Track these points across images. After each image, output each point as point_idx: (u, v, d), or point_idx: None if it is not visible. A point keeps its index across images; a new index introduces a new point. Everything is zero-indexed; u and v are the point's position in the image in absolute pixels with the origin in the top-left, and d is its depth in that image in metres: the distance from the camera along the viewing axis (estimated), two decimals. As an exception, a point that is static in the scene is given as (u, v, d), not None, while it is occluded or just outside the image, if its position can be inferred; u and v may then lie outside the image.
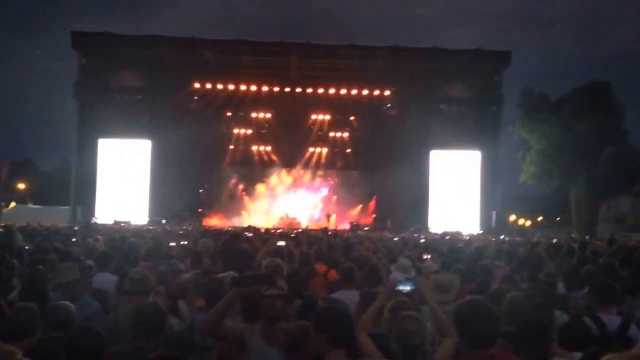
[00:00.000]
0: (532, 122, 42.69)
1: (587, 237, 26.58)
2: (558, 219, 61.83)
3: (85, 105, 35.53)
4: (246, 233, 13.58)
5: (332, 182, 41.61)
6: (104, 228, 23.08)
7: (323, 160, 41.13)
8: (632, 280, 7.95)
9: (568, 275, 8.69)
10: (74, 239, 13.66)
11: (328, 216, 38.23)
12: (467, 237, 23.92)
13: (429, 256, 10.28)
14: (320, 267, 9.26)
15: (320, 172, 41.26)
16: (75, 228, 21.66)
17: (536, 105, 43.11)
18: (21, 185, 58.58)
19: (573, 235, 30.65)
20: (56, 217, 33.20)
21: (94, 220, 31.63)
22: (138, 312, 4.89)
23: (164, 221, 32.42)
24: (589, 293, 6.41)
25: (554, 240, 17.67)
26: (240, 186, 41.06)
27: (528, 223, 68.06)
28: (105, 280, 8.08)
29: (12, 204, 45.51)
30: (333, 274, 8.77)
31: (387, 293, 5.28)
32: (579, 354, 4.54)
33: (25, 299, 5.97)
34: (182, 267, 8.96)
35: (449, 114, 37.71)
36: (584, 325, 4.92)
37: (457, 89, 37.54)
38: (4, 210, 40.36)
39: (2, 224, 20.73)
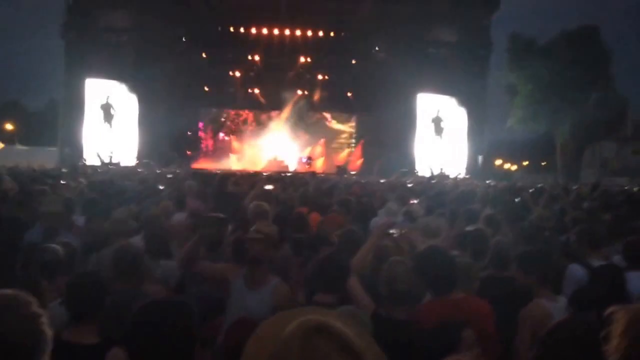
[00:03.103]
0: (520, 66, 42.68)
1: (576, 185, 26.87)
2: (543, 163, 62.19)
3: (72, 46, 35.01)
4: (235, 176, 13.63)
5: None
6: (92, 170, 23.02)
7: (311, 102, 40.97)
8: (614, 224, 8.10)
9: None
10: (63, 182, 13.64)
11: (310, 159, 38.31)
12: (453, 178, 24.13)
13: (416, 200, 10.36)
14: (303, 210, 9.30)
15: (308, 115, 41.17)
16: (64, 170, 21.58)
17: (524, 50, 43.03)
18: (9, 126, 58.04)
19: (558, 181, 30.96)
20: (44, 158, 33.09)
21: (82, 161, 31.49)
22: (117, 253, 4.96)
23: (152, 163, 32.33)
24: (577, 239, 6.54)
25: (538, 185, 17.86)
26: (228, 128, 41.01)
27: (514, 167, 68.40)
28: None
29: (0, 145, 45.24)
30: (315, 217, 8.84)
31: (378, 237, 5.35)
32: (563, 298, 4.68)
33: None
34: (171, 209, 9.03)
35: (437, 58, 37.45)
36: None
37: (445, 32, 37.20)
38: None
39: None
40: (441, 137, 37.33)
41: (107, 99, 35.58)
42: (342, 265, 4.66)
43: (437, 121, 37.40)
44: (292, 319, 1.43)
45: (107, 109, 35.61)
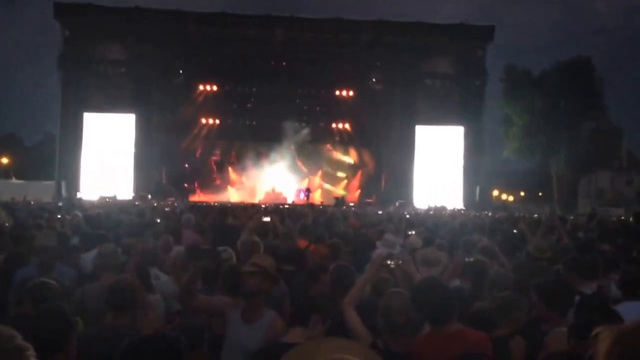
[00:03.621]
0: (515, 97, 43.02)
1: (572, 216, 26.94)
2: (540, 194, 62.33)
3: (69, 79, 35.22)
4: (233, 208, 13.61)
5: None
6: (89, 204, 22.99)
7: (308, 134, 41.09)
8: (616, 254, 8.08)
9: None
10: (58, 215, 13.62)
11: (308, 190, 38.29)
12: (450, 211, 24.12)
13: (413, 232, 10.35)
14: (302, 243, 9.29)
15: (305, 146, 41.26)
16: (60, 204, 21.56)
17: (518, 81, 43.41)
18: (5, 160, 58.07)
19: (555, 211, 31.00)
20: (40, 192, 33.04)
21: (78, 195, 31.48)
22: (113, 285, 4.93)
23: (149, 196, 32.34)
24: (564, 269, 6.52)
25: (535, 216, 17.88)
26: (226, 160, 41.10)
27: (511, 198, 68.53)
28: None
29: (-4, 179, 45.26)
30: (314, 249, 8.80)
31: (376, 268, 5.32)
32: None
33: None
34: (171, 243, 8.99)
35: (434, 89, 37.73)
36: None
37: (441, 63, 37.52)
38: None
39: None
40: (439, 169, 37.41)
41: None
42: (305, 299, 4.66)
43: (434, 152, 37.52)
44: (313, 354, 1.42)
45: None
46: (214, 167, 41.08)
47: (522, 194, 71.60)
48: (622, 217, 21.77)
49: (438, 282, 4.63)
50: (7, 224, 11.34)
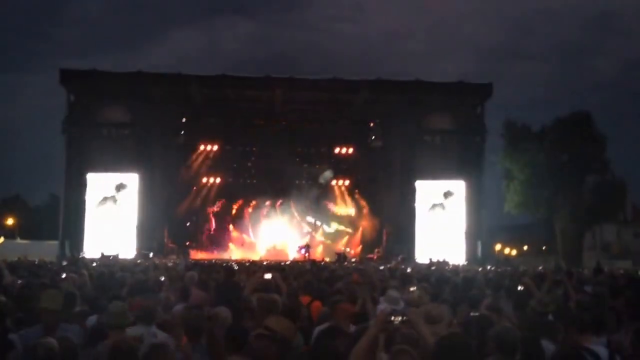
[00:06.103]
0: (515, 152, 43.15)
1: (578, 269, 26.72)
2: (544, 247, 62.04)
3: (73, 141, 35.55)
4: (234, 265, 13.60)
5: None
6: (92, 262, 22.94)
7: (309, 191, 41.20)
8: (626, 309, 8.00)
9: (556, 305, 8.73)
10: (63, 275, 13.60)
11: (308, 247, 38.16)
12: (453, 266, 23.99)
13: (414, 287, 10.31)
14: (305, 299, 9.26)
15: (306, 204, 41.32)
16: (64, 263, 21.53)
17: (518, 136, 43.59)
18: (10, 221, 58.26)
19: (559, 264, 30.80)
20: (44, 251, 32.99)
21: (81, 254, 31.43)
22: (114, 347, 4.90)
23: (151, 254, 32.27)
24: (566, 325, 6.45)
25: (540, 268, 17.79)
26: (227, 217, 41.14)
27: (514, 252, 68.19)
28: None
29: (1, 239, 45.29)
30: (317, 306, 8.77)
31: (380, 324, 5.27)
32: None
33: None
34: (171, 301, 8.96)
35: (433, 145, 37.86)
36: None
37: (440, 120, 37.76)
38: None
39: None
40: (440, 224, 37.34)
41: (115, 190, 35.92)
42: None
43: (435, 208, 37.51)
44: None
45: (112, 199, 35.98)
46: (215, 224, 41.08)
47: (525, 248, 71.30)
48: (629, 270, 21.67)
49: (461, 337, 4.59)
50: (14, 283, 11.34)
